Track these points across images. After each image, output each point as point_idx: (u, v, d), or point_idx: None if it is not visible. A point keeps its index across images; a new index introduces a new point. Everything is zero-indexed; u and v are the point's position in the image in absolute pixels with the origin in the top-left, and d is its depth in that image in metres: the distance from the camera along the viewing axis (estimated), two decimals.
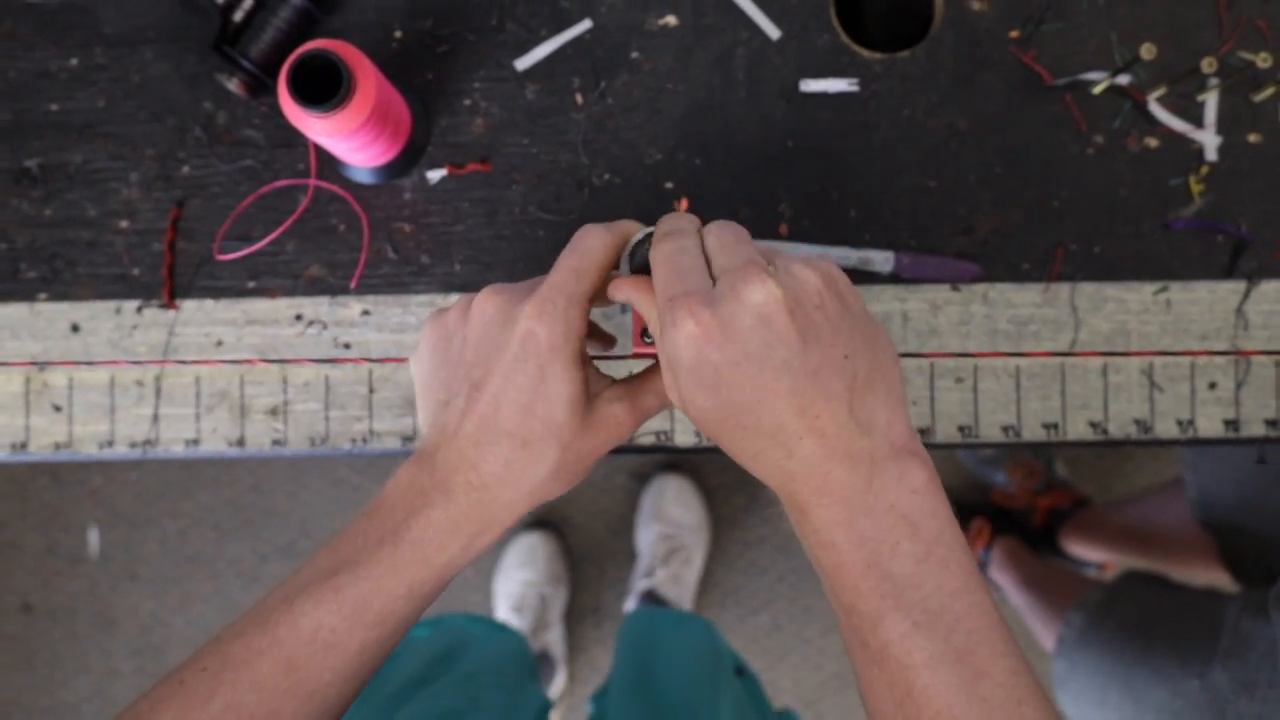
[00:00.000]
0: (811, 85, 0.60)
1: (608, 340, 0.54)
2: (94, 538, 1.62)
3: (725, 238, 0.43)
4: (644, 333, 0.47)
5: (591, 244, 0.45)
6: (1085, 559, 1.42)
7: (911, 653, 0.38)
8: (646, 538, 1.55)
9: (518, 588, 1.53)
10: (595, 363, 0.48)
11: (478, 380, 0.44)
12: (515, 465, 0.43)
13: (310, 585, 0.42)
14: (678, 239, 0.43)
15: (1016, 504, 1.49)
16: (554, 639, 1.52)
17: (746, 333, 0.39)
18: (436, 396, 0.46)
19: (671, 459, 1.61)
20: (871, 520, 0.40)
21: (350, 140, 0.53)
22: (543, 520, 1.61)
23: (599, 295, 0.46)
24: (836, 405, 0.40)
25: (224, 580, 1.62)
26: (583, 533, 1.62)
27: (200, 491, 1.62)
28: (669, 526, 1.54)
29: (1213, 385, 0.60)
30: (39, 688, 1.63)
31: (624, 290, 0.45)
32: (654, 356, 0.47)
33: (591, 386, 0.45)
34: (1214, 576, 1.06)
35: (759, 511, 1.62)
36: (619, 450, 0.55)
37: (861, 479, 0.40)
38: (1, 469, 1.62)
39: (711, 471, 1.61)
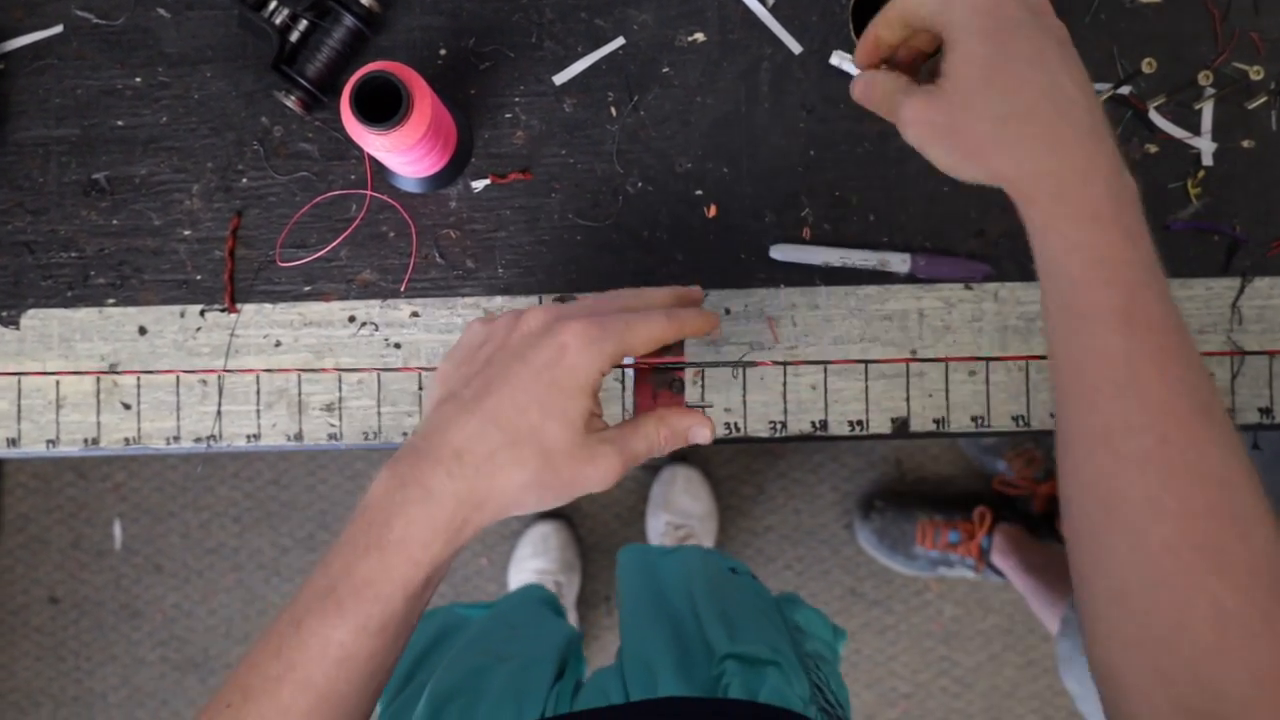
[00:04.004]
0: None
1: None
2: (118, 531, 1.66)
3: None
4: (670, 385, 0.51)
5: (657, 320, 0.48)
6: None
7: (1166, 317, 0.42)
8: (656, 527, 1.59)
9: (532, 577, 1.57)
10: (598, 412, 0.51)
11: (490, 377, 0.46)
12: (496, 460, 0.45)
13: (314, 605, 0.44)
14: None
15: (1017, 491, 1.53)
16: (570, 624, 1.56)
17: (1032, 6, 0.45)
18: (448, 387, 0.48)
19: (680, 451, 1.65)
20: (1124, 187, 0.43)
21: (406, 154, 0.57)
22: (555, 511, 1.65)
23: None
24: (1097, 104, 0.44)
25: (245, 572, 1.66)
26: (594, 522, 1.66)
27: (221, 486, 1.66)
28: (678, 516, 1.58)
29: (1210, 376, 0.64)
30: (67, 678, 1.67)
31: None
32: (651, 365, 0.51)
33: (594, 423, 0.47)
34: None
35: (766, 502, 1.66)
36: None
37: (1116, 163, 0.43)
38: (26, 465, 1.65)
39: (719, 463, 1.65)
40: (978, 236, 0.64)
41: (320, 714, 0.44)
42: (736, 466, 1.66)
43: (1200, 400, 0.42)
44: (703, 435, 0.51)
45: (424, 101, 0.55)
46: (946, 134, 0.45)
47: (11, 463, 1.66)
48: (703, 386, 0.64)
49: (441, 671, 0.68)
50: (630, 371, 0.53)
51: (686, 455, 1.65)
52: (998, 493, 1.56)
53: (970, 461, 1.61)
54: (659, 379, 0.52)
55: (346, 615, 0.44)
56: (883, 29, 0.49)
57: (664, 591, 0.77)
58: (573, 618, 1.59)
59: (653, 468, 1.65)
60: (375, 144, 0.56)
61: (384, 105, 0.55)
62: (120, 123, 0.64)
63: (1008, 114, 0.43)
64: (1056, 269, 0.43)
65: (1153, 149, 0.64)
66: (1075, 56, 0.45)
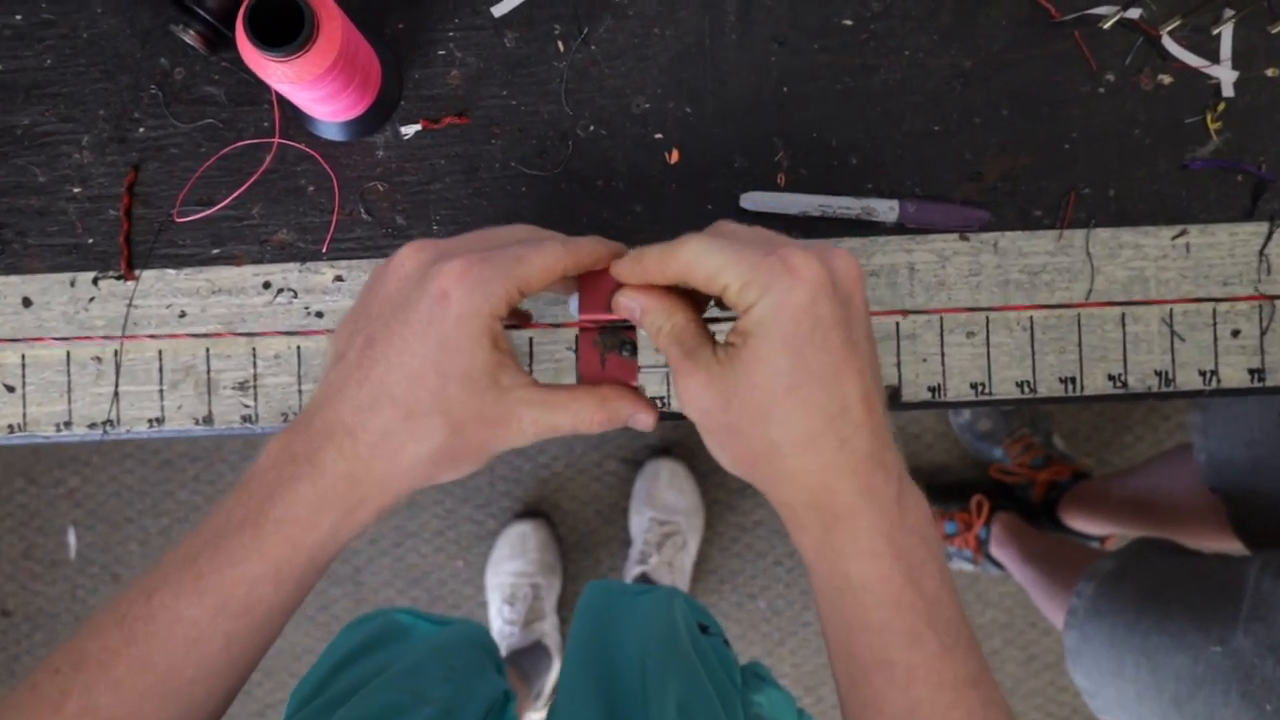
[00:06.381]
0: None
1: (523, 316, 0.51)
2: (72, 539, 1.57)
3: (746, 228, 0.41)
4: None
5: (551, 248, 0.41)
6: (1086, 532, 1.40)
7: (943, 674, 0.38)
8: (639, 524, 1.52)
9: (509, 579, 1.50)
10: (518, 357, 0.44)
11: (373, 335, 0.40)
12: (394, 438, 0.39)
13: (171, 575, 0.39)
14: (710, 233, 0.41)
15: (1014, 479, 1.46)
16: (549, 629, 1.49)
17: (844, 297, 0.38)
18: (337, 346, 0.42)
19: (664, 443, 1.58)
20: (903, 534, 0.39)
21: (316, 89, 0.50)
22: (533, 509, 1.57)
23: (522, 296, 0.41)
24: (879, 406, 0.39)
25: None
26: (574, 521, 1.58)
27: (180, 490, 1.58)
28: (662, 512, 1.51)
29: (1236, 333, 0.57)
30: None
31: (642, 294, 0.42)
32: (600, 323, 0.44)
33: (504, 378, 0.40)
34: (1223, 544, 1.04)
35: (754, 496, 1.59)
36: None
37: (894, 490, 0.39)
38: None
39: (705, 455, 1.57)
40: (974, 180, 0.57)
41: (159, 697, 0.38)
42: None
43: None
44: (645, 423, 0.44)
45: (332, 24, 0.48)
46: (725, 431, 0.40)
47: None
48: (666, 370, 0.56)
49: (357, 700, 0.60)
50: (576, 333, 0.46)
51: (670, 448, 1.57)
52: (995, 481, 1.49)
53: (965, 449, 1.54)
54: (608, 340, 0.44)
55: (205, 593, 0.38)
56: (654, 274, 0.41)
57: (614, 657, 0.70)
58: (553, 621, 1.52)
59: (635, 462, 1.58)
60: (278, 75, 0.48)
61: (289, 31, 0.47)
62: None
63: (789, 439, 0.38)
64: (834, 599, 0.40)
65: (1166, 80, 0.57)
66: (871, 355, 0.40)
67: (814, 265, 0.37)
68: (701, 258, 0.38)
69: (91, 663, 0.38)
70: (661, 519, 1.51)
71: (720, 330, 0.43)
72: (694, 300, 0.43)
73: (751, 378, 0.38)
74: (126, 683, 0.38)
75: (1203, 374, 0.57)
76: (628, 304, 0.42)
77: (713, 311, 0.46)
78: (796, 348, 0.37)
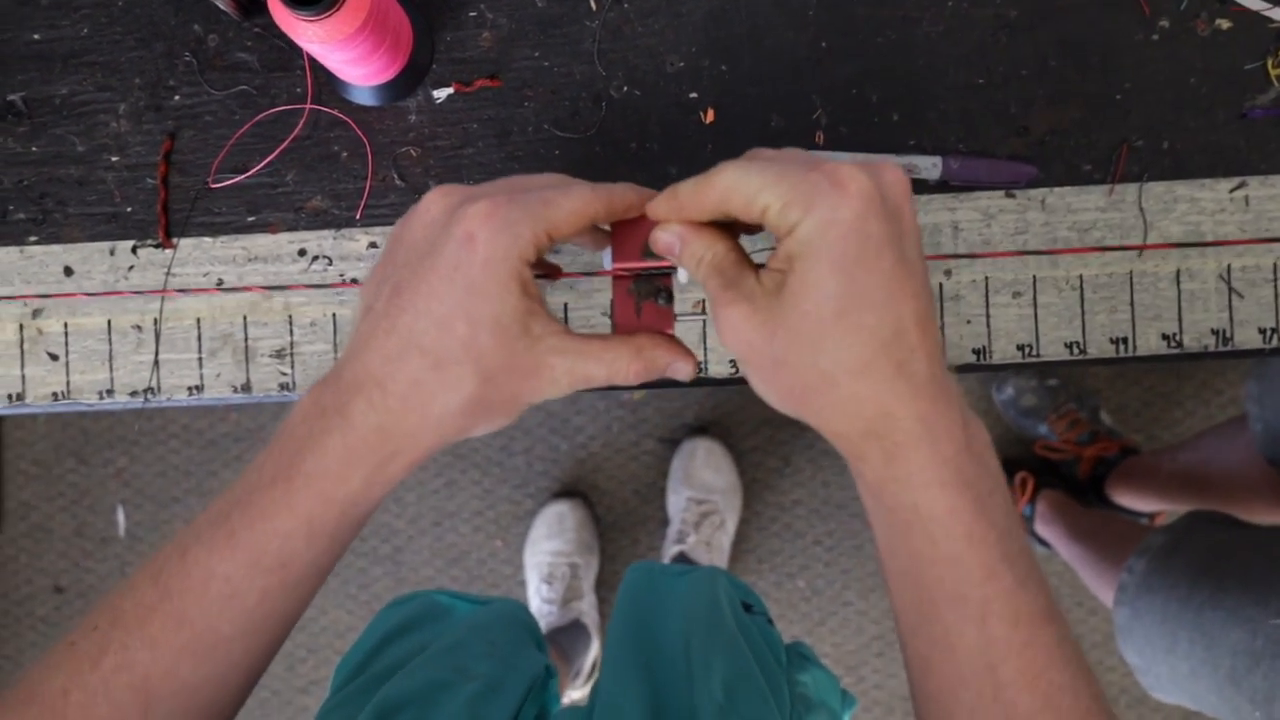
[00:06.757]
0: None
1: (553, 268, 0.49)
2: (121, 518, 1.61)
3: (781, 151, 0.39)
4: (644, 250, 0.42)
5: (580, 192, 0.40)
6: (1135, 509, 1.37)
7: (1018, 609, 0.37)
8: (677, 503, 1.52)
9: (547, 559, 1.50)
10: (548, 304, 0.43)
11: (400, 284, 0.39)
12: (424, 388, 0.38)
13: (204, 533, 0.39)
14: (746, 157, 0.39)
15: (1060, 456, 1.43)
16: (587, 608, 1.49)
17: (893, 211, 0.36)
18: (365, 299, 0.41)
19: (700, 422, 1.57)
20: (970, 462, 0.37)
21: (347, 50, 0.49)
22: (570, 489, 1.58)
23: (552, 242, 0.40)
24: (934, 329, 0.37)
25: None
26: (612, 500, 1.58)
27: (224, 470, 1.60)
28: (700, 491, 1.50)
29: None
30: None
31: (680, 230, 0.40)
32: (634, 271, 0.42)
33: (535, 325, 0.39)
34: None
35: (792, 475, 1.57)
36: (654, 385, 0.50)
37: (958, 416, 0.37)
38: (26, 452, 1.60)
39: (743, 434, 1.57)
40: (1020, 134, 0.55)
41: (196, 654, 0.38)
42: (761, 438, 1.57)
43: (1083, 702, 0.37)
44: (684, 372, 0.43)
45: None
46: (771, 365, 0.38)
47: (11, 449, 1.61)
48: (704, 319, 0.55)
49: (401, 676, 0.60)
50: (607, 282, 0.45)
51: (707, 427, 1.56)
52: (1040, 458, 1.46)
53: (1009, 426, 1.51)
54: (643, 288, 0.43)
55: (238, 548, 0.38)
56: (690, 208, 0.39)
57: (658, 635, 0.69)
58: (591, 600, 1.52)
59: (672, 441, 1.57)
60: (309, 35, 0.48)
61: None
62: (36, 36, 0.57)
63: (842, 367, 0.36)
64: (899, 531, 0.38)
65: (1224, 24, 0.55)
66: (923, 274, 0.37)
67: (860, 179, 0.35)
68: (740, 181, 0.37)
69: (128, 619, 0.38)
70: (699, 498, 1.50)
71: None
72: (732, 234, 0.41)
73: (799, 305, 0.36)
74: (162, 639, 0.38)
75: (1263, 332, 0.54)
76: (666, 239, 0.40)
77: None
78: (846, 269, 0.35)
